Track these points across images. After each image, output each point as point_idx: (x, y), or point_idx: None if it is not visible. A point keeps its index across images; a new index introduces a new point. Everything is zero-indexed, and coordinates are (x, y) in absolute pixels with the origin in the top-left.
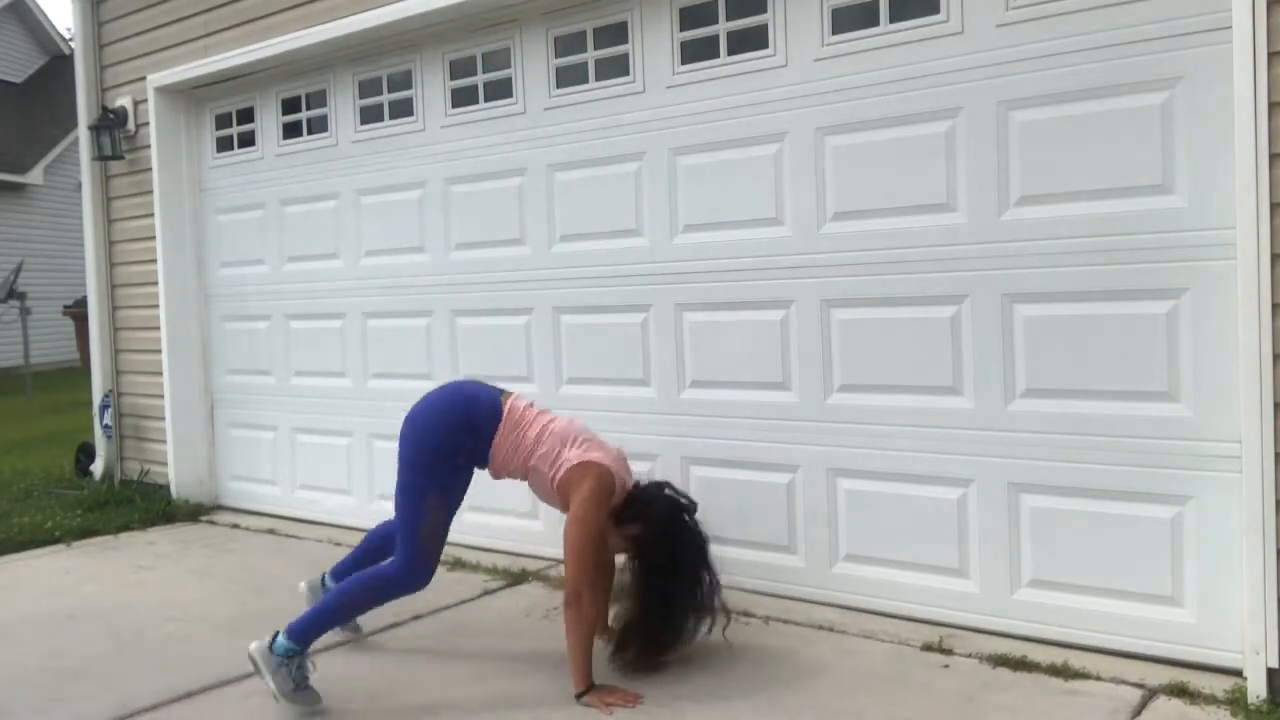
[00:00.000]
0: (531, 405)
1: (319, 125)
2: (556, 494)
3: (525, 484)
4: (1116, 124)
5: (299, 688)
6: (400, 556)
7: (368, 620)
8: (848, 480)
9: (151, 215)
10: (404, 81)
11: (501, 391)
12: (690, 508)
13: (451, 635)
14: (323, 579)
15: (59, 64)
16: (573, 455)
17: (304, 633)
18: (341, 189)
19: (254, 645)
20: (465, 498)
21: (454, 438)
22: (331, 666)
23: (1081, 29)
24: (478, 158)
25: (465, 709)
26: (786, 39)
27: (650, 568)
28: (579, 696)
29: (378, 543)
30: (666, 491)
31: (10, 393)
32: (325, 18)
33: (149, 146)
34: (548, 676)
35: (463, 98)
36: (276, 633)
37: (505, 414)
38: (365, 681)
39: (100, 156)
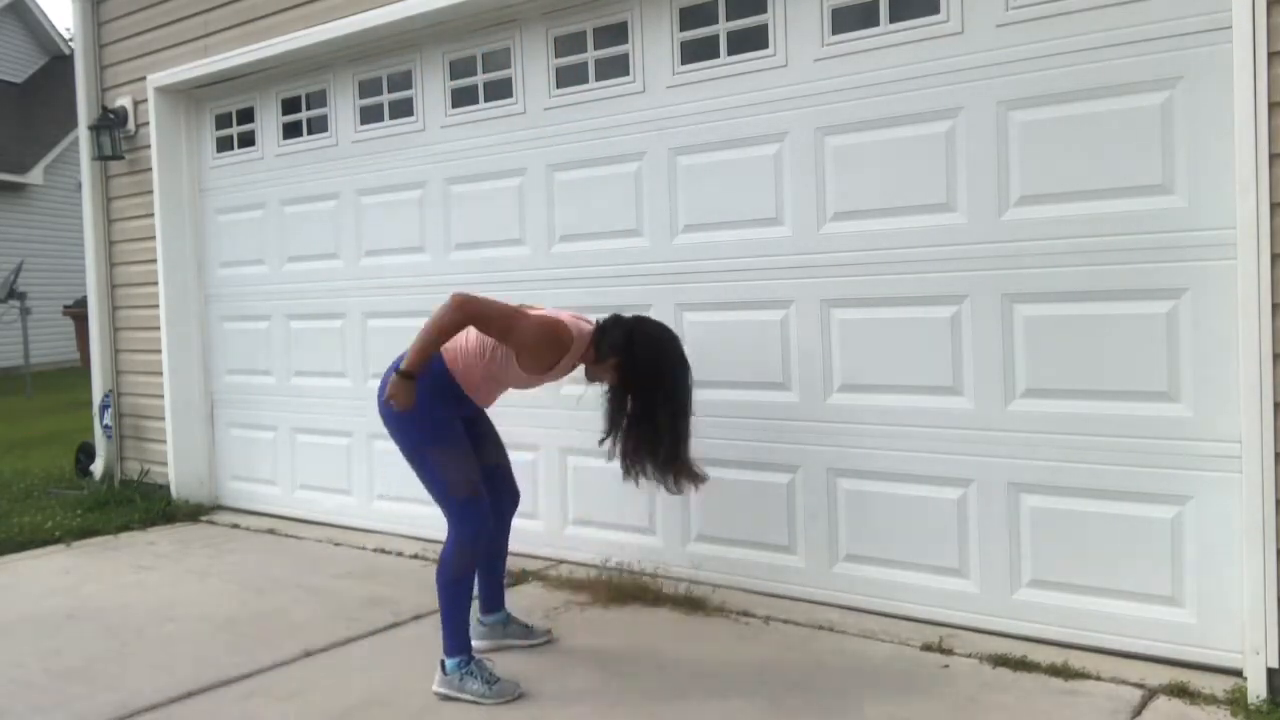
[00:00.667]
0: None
1: (319, 125)
2: (516, 361)
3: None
4: (1117, 124)
5: (492, 683)
6: (449, 525)
7: (362, 621)
8: (848, 480)
9: (151, 215)
10: (404, 81)
11: None
12: (660, 324)
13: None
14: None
15: (59, 64)
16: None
17: (451, 640)
18: (341, 189)
19: (434, 687)
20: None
21: (421, 400)
22: (330, 667)
23: (1081, 29)
24: (478, 158)
25: (464, 709)
26: (786, 39)
27: (639, 386)
28: (400, 372)
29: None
30: (639, 319)
31: (10, 393)
32: (325, 18)
33: (149, 146)
34: (548, 676)
35: (463, 98)
36: (442, 661)
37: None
38: (365, 682)
39: (100, 156)
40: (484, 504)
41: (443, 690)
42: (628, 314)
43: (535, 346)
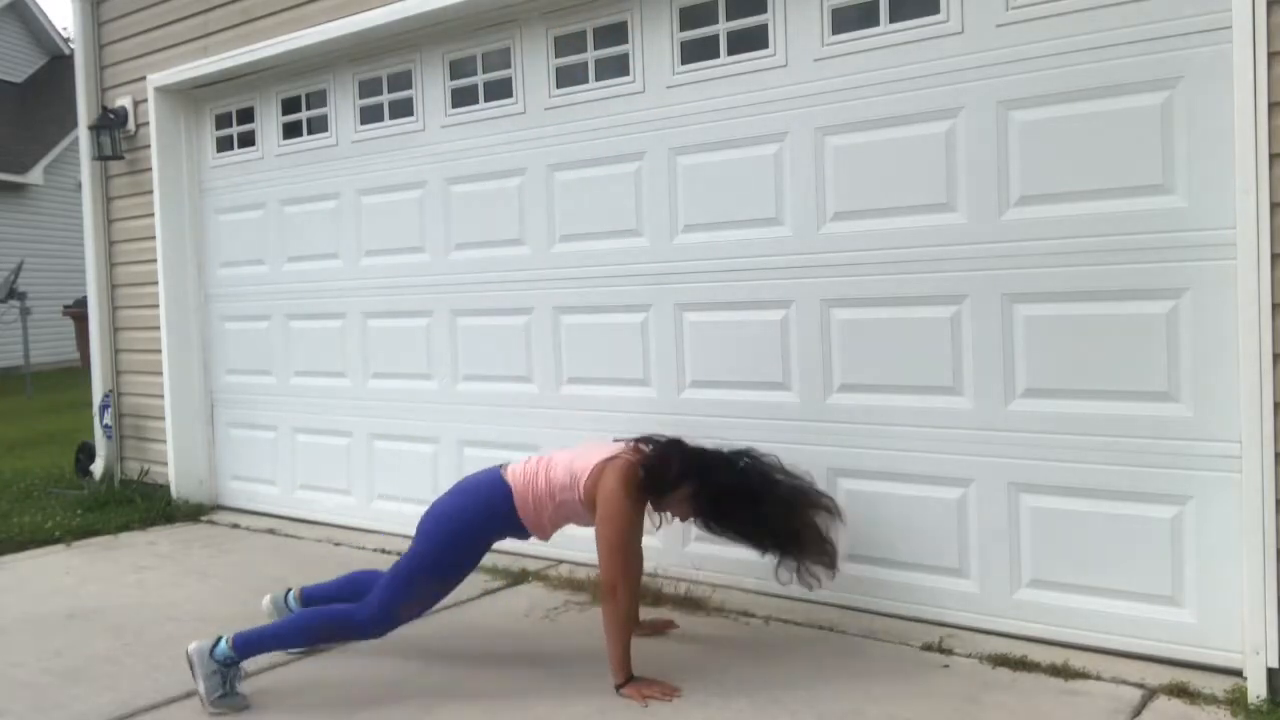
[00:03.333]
0: (528, 459)
1: (319, 125)
2: (591, 510)
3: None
4: (1116, 124)
5: (226, 694)
6: (373, 605)
7: None
8: (848, 480)
9: (151, 215)
10: (404, 81)
11: (499, 467)
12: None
13: (452, 636)
14: (286, 595)
15: (59, 64)
16: (584, 466)
17: (249, 646)
18: (341, 189)
19: (193, 645)
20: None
21: (474, 525)
22: (329, 668)
23: (1081, 29)
24: (478, 158)
25: (463, 710)
26: (786, 39)
27: (719, 499)
28: (619, 688)
29: (357, 585)
30: (679, 442)
31: (10, 393)
32: (325, 18)
33: (149, 146)
34: (548, 675)
35: (463, 98)
36: (220, 637)
37: (510, 482)
38: (363, 683)
39: (100, 156)
40: (396, 626)
41: (193, 657)
42: (659, 439)
43: (629, 517)
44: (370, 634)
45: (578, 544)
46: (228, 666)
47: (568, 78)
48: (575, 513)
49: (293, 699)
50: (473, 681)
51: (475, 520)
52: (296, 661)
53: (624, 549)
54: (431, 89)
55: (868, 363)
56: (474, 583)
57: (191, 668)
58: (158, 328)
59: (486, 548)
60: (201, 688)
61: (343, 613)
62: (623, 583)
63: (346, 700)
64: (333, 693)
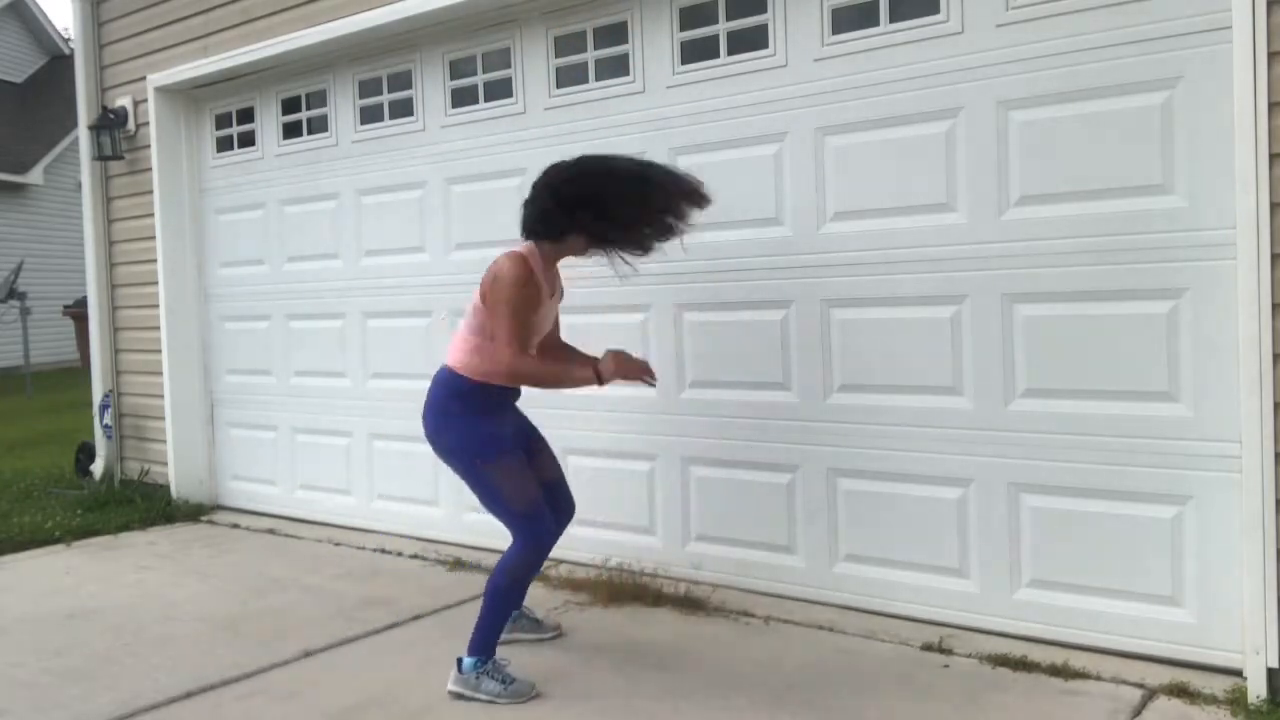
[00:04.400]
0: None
1: (319, 125)
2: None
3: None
4: (1116, 124)
5: (508, 683)
6: (514, 537)
7: (361, 621)
8: (848, 480)
9: (151, 215)
10: (404, 81)
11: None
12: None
13: (452, 636)
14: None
15: (59, 64)
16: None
17: (477, 643)
18: (341, 189)
19: (449, 685)
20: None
21: (471, 429)
22: (329, 667)
23: (1081, 29)
24: (478, 158)
25: (461, 710)
26: (786, 39)
27: (609, 226)
28: (599, 377)
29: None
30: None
31: (10, 393)
32: (325, 18)
33: (149, 146)
34: (547, 676)
35: (463, 98)
36: (459, 660)
37: (450, 364)
38: (364, 682)
39: (100, 156)
40: (546, 517)
41: (457, 689)
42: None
43: (517, 296)
44: (537, 545)
45: (578, 544)
46: (484, 665)
47: (568, 78)
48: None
49: (289, 699)
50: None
51: (466, 427)
52: (296, 662)
53: (513, 304)
54: (431, 89)
55: (868, 363)
56: (474, 583)
57: (470, 694)
58: (158, 328)
59: (499, 418)
60: (489, 697)
61: (504, 561)
62: (510, 344)
63: (345, 700)
64: (330, 694)
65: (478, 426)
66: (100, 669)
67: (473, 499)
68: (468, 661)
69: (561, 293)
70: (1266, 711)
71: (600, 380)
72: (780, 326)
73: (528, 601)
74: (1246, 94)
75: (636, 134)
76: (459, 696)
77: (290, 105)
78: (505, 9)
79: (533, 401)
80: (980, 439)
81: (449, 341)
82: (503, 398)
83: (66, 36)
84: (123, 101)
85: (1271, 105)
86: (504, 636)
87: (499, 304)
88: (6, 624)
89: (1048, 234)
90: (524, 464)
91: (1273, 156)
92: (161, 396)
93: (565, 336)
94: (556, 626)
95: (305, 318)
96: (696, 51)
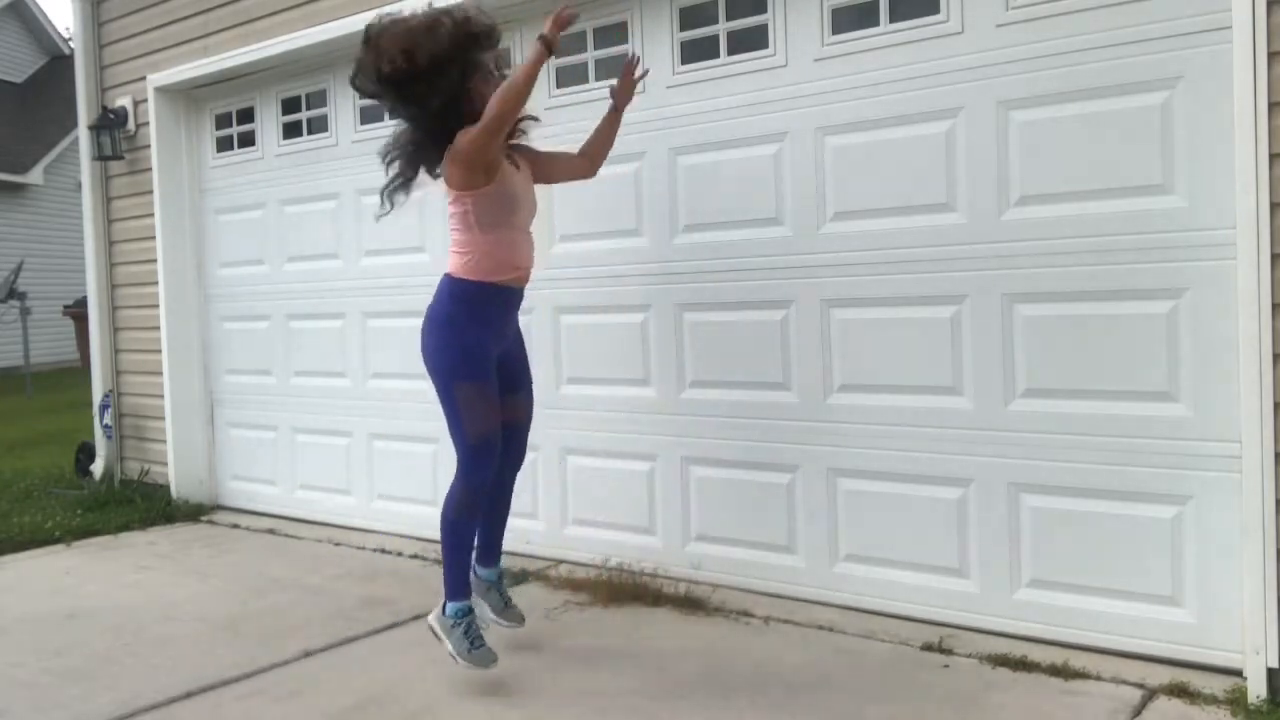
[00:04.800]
0: None
1: (319, 125)
2: (465, 176)
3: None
4: (1117, 124)
5: (474, 646)
6: (457, 467)
7: (361, 621)
8: (848, 480)
9: (151, 215)
10: None
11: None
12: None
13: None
14: (475, 572)
15: (59, 64)
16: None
17: (447, 586)
18: (341, 189)
19: (428, 618)
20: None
21: (444, 320)
22: (329, 667)
23: (1081, 29)
24: None
25: (461, 710)
26: (786, 39)
27: (428, 95)
28: (549, 48)
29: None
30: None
31: (10, 393)
32: (325, 18)
33: (149, 146)
34: (548, 676)
35: None
36: (444, 603)
37: (450, 271)
38: (364, 682)
39: (100, 156)
40: (489, 464)
41: (433, 625)
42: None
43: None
44: (478, 488)
45: (578, 544)
46: (465, 616)
47: (567, 77)
48: (491, 210)
49: (289, 699)
50: (470, 682)
51: (455, 337)
52: (295, 662)
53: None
54: None
55: (868, 363)
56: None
57: (439, 635)
58: (158, 328)
59: (488, 329)
60: (452, 649)
61: (447, 497)
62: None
63: (346, 700)
64: (328, 697)
65: (465, 337)
66: (100, 669)
67: None
68: (450, 606)
69: (536, 156)
70: (1266, 711)
71: (549, 46)
72: (780, 326)
73: (525, 605)
74: (1246, 94)
75: (636, 134)
76: (432, 632)
77: (290, 105)
78: (505, 9)
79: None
80: (980, 439)
81: None
82: (504, 302)
83: (66, 36)
84: (123, 101)
85: (1271, 105)
86: (478, 598)
87: (461, 148)
88: (6, 624)
89: (1048, 234)
90: (495, 397)
91: (1273, 156)
92: (161, 396)
93: (564, 336)
94: (519, 619)
95: (305, 318)
96: (696, 51)
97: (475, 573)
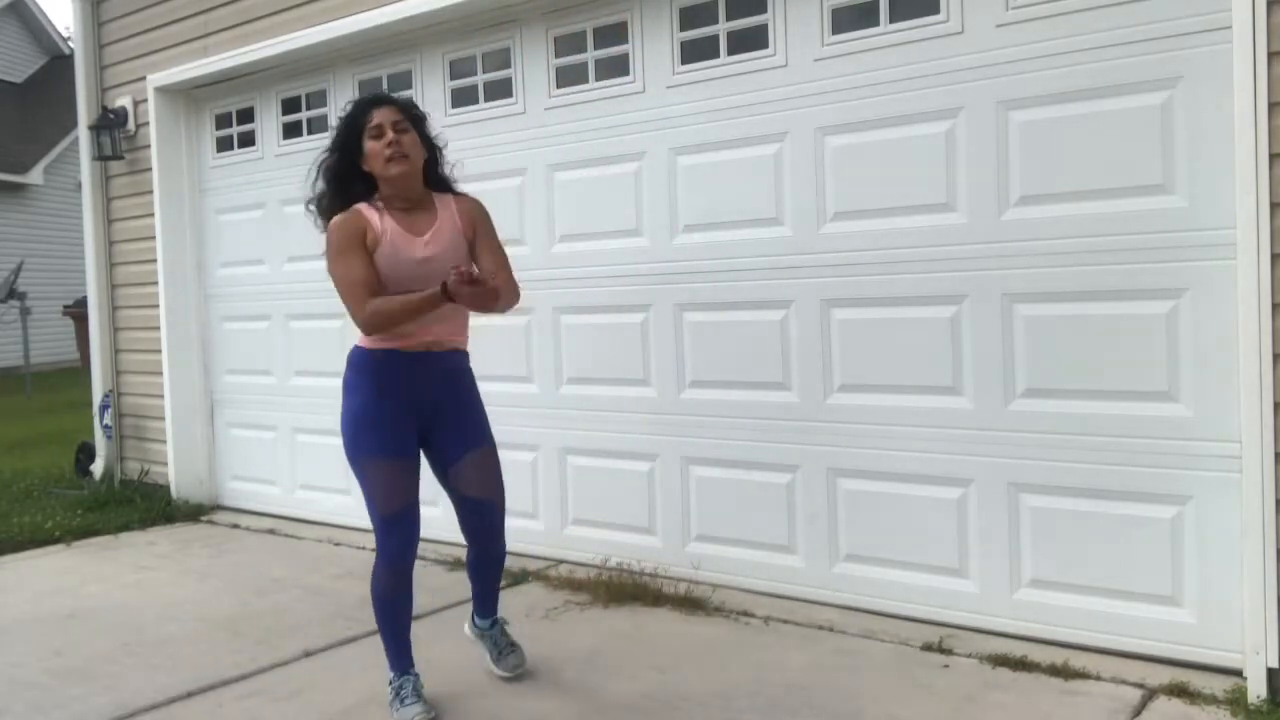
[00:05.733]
0: None
1: (319, 125)
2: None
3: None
4: (1117, 124)
5: (402, 705)
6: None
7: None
8: (848, 480)
9: (151, 215)
10: (404, 81)
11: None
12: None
13: (451, 636)
14: (473, 619)
15: (59, 64)
16: None
17: (389, 654)
18: None
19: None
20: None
21: (345, 387)
22: (329, 667)
23: (1081, 29)
24: (477, 158)
25: (461, 710)
26: (786, 39)
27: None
28: (445, 292)
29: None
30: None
31: (10, 393)
32: (325, 18)
33: (149, 146)
34: (547, 676)
35: (462, 98)
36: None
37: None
38: (364, 682)
39: (100, 156)
40: (400, 534)
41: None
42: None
43: (332, 251)
44: (391, 560)
45: (578, 544)
46: (394, 683)
47: (568, 78)
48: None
49: (289, 699)
50: (469, 683)
51: (347, 406)
52: (296, 662)
53: (332, 265)
54: (431, 89)
55: (868, 363)
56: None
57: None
58: (158, 328)
59: (383, 392)
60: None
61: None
62: (362, 311)
63: (345, 700)
64: (325, 697)
65: (366, 409)
66: (100, 669)
67: None
68: (390, 674)
69: (460, 225)
70: (1266, 711)
71: (449, 295)
72: (780, 326)
73: (525, 605)
74: (1246, 94)
75: (636, 134)
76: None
77: (290, 105)
78: (505, 9)
79: (533, 401)
80: (980, 439)
81: None
82: (407, 368)
83: (66, 36)
84: (123, 101)
85: (1271, 105)
86: (488, 665)
87: (331, 275)
88: (6, 624)
89: (1048, 234)
90: (405, 471)
91: (1273, 156)
92: (161, 396)
93: (564, 336)
94: (513, 667)
95: (305, 318)
96: (696, 51)
97: (473, 621)
